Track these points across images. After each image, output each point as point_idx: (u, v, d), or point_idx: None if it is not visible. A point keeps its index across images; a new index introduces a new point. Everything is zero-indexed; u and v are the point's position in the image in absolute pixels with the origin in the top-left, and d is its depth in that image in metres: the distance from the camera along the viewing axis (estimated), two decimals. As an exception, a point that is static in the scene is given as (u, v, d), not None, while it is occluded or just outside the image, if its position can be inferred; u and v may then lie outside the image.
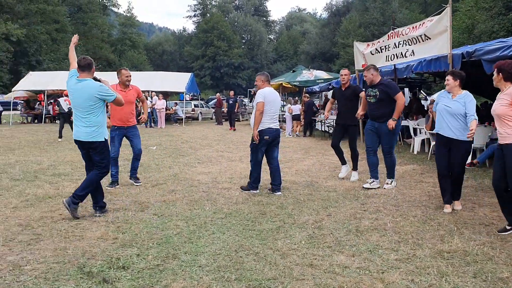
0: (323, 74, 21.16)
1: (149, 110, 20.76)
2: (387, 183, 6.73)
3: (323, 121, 15.31)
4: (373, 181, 6.71)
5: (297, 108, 16.57)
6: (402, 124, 9.75)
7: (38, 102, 26.41)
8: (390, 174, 6.79)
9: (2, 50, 37.46)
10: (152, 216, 5.14)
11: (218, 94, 26.69)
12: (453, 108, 5.17)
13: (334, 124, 8.18)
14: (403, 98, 6.55)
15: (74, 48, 5.66)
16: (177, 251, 3.97)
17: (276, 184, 6.41)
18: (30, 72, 27.25)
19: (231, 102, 20.95)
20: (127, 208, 5.47)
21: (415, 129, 11.62)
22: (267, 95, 6.21)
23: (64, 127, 14.42)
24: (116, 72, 7.05)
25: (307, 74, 20.82)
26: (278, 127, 6.47)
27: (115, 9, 65.36)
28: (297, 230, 4.61)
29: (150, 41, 77.34)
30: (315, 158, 10.20)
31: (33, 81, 25.00)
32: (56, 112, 25.40)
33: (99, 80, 5.16)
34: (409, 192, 6.44)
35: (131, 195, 6.24)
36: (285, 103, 18.57)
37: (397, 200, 5.94)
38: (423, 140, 10.96)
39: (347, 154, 7.61)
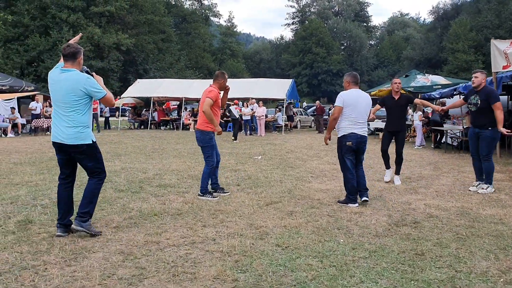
0: (440, 80, 19.11)
1: (248, 118, 20.20)
2: (483, 188, 6.86)
3: (447, 131, 13.43)
4: (479, 183, 7.01)
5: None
6: None
7: (145, 109, 27.21)
8: (488, 180, 6.89)
9: (113, 59, 39.65)
10: (275, 247, 4.11)
11: (318, 101, 25.51)
12: None
13: (384, 131, 8.08)
14: (500, 107, 6.66)
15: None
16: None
17: (361, 189, 6.00)
18: (138, 80, 28.23)
19: None
20: (243, 234, 4.51)
21: None
22: (346, 99, 5.84)
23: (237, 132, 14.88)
24: (217, 75, 6.56)
25: (422, 79, 18.89)
26: (365, 134, 5.97)
27: (216, 19, 67.05)
28: (481, 285, 3.29)
29: (248, 50, 78.38)
30: (450, 175, 8.59)
31: (140, 88, 25.79)
32: (160, 118, 26.03)
33: (91, 75, 4.30)
34: None
35: (244, 215, 5.30)
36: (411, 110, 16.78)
37: None
38: None
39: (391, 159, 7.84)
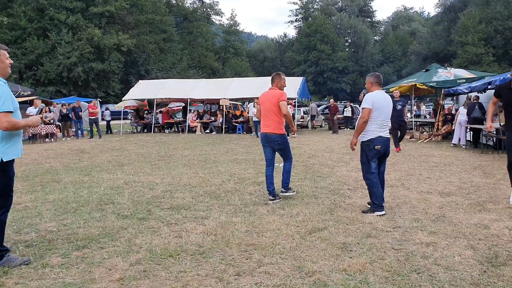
0: (464, 73, 17.79)
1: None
2: None
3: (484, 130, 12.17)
4: None
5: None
6: None
7: (147, 112, 26.03)
8: None
9: (113, 60, 38.45)
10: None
11: (332, 100, 24.17)
12: None
13: (507, 133, 5.98)
14: None
15: None
16: None
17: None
18: (140, 81, 27.04)
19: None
20: (294, 286, 3.28)
21: None
22: (376, 101, 5.49)
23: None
24: (273, 77, 6.36)
25: (444, 73, 17.58)
26: (389, 136, 5.68)
27: (218, 18, 65.86)
28: None
29: (251, 48, 77.09)
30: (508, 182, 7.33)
31: (143, 90, 24.60)
32: (164, 121, 24.83)
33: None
34: None
35: (285, 251, 4.07)
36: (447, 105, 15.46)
37: None
38: None
39: None
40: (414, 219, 5.16)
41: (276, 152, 6.39)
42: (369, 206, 5.70)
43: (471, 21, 52.18)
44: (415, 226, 4.89)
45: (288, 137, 6.68)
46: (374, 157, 5.54)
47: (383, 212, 5.41)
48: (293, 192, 6.51)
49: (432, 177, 8.17)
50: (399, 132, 12.67)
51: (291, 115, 6.88)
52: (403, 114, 12.67)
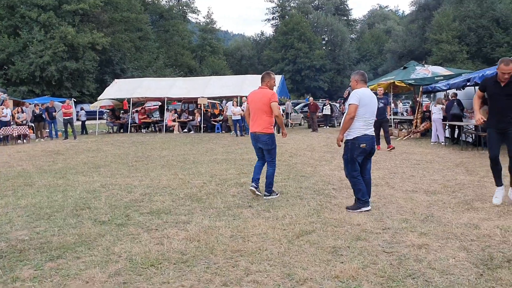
0: (441, 70, 17.98)
1: (238, 117, 18.80)
2: None
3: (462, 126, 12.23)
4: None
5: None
6: None
7: (123, 111, 25.52)
8: None
9: (88, 59, 37.59)
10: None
11: (311, 98, 24.08)
12: None
13: (488, 130, 5.83)
14: None
15: None
16: None
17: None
18: (116, 80, 26.50)
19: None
20: None
21: None
22: (362, 97, 5.37)
23: None
24: (263, 77, 6.38)
25: (422, 71, 17.70)
26: (374, 134, 5.56)
27: (194, 16, 65.28)
28: None
29: (228, 46, 76.68)
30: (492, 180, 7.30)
31: (118, 89, 24.10)
32: (141, 121, 24.35)
33: None
34: None
35: (273, 257, 3.88)
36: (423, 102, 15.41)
37: None
38: None
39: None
40: (402, 220, 5.03)
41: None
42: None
43: (445, 19, 53.03)
44: (405, 227, 4.75)
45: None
46: (359, 156, 5.43)
47: (369, 208, 5.40)
48: (277, 194, 6.40)
49: (416, 175, 8.11)
50: (380, 130, 12.50)
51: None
52: (385, 112, 12.33)
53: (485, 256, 3.82)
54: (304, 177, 8.06)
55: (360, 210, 5.37)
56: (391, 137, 16.55)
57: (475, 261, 3.72)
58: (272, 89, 6.34)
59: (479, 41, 51.08)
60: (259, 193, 6.31)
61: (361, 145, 5.38)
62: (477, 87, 10.90)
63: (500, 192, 5.74)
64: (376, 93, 12.30)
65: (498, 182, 5.78)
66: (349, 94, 5.73)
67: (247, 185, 7.19)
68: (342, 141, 5.57)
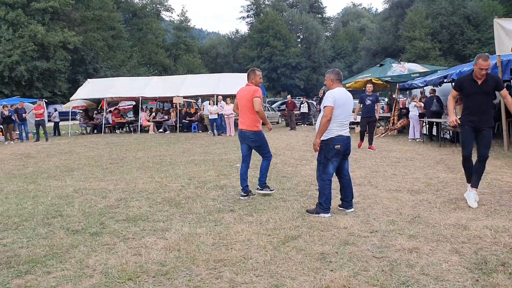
0: (417, 67, 18.03)
1: (215, 116, 18.54)
2: None
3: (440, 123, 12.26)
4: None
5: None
6: None
7: (96, 111, 24.91)
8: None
9: (59, 58, 36.63)
10: None
11: (289, 96, 23.95)
12: None
13: (462, 127, 5.77)
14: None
15: None
16: None
17: (348, 200, 5.46)
18: (89, 80, 25.87)
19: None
20: None
21: None
22: (337, 98, 5.20)
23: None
24: (249, 74, 6.32)
25: (398, 68, 17.74)
26: (349, 135, 5.41)
27: (168, 14, 64.48)
28: None
29: (203, 45, 76.10)
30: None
31: (92, 89, 23.51)
32: (115, 121, 23.79)
33: None
34: None
35: (259, 266, 3.66)
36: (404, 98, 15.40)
37: None
38: None
39: None
40: (389, 222, 4.88)
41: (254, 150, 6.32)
42: (340, 208, 5.44)
43: (418, 17, 53.85)
44: (392, 229, 4.61)
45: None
46: (334, 158, 5.25)
47: (328, 215, 5.19)
48: (271, 190, 6.39)
49: (398, 173, 8.02)
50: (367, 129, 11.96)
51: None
52: (373, 110, 11.78)
53: (478, 260, 3.69)
54: (285, 178, 7.88)
55: (318, 215, 5.19)
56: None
57: (469, 266, 3.58)
58: (259, 86, 6.27)
59: (451, 38, 52.03)
60: (252, 194, 6.31)
61: (336, 146, 5.22)
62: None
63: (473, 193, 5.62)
64: (364, 90, 12.03)
65: (470, 179, 5.75)
66: (324, 93, 5.55)
67: (227, 188, 6.97)
68: (319, 145, 5.31)
